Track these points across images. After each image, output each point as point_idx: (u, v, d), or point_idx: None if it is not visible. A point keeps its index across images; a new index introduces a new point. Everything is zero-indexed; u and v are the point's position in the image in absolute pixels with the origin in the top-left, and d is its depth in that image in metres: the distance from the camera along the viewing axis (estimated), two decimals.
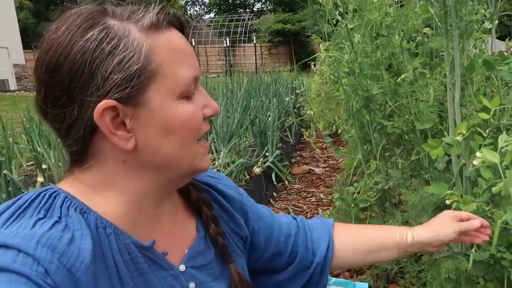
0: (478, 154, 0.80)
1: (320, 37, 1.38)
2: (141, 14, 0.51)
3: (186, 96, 0.53)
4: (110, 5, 0.52)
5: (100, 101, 0.47)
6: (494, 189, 0.75)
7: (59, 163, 2.73)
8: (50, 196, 0.50)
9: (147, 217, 0.56)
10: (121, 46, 0.48)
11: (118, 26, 0.49)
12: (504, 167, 0.72)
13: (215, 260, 0.63)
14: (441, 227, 0.75)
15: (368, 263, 0.81)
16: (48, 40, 0.49)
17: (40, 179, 2.69)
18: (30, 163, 3.09)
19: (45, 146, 2.61)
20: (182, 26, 0.55)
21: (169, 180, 0.56)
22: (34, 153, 2.70)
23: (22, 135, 3.41)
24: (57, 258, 0.44)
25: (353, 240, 0.79)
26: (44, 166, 2.71)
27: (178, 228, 0.61)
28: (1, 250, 0.42)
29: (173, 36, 0.53)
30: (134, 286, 0.52)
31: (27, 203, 0.49)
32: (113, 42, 0.48)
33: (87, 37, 0.47)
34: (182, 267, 0.58)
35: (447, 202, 0.88)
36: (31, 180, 2.83)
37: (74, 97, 0.48)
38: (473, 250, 0.98)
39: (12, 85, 17.81)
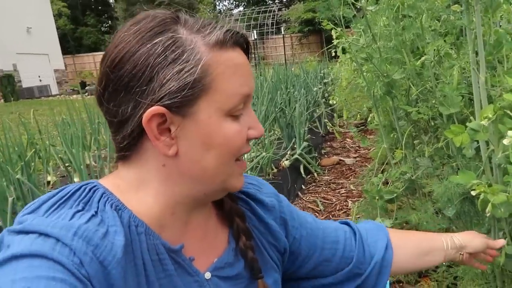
0: (509, 132, 0.73)
1: (335, 23, 1.31)
2: (210, 29, 0.52)
3: (234, 114, 0.53)
4: (184, 14, 0.54)
5: (152, 105, 0.49)
6: None
7: (94, 163, 2.82)
8: (90, 190, 0.52)
9: (178, 222, 0.56)
10: (183, 57, 0.49)
11: (186, 37, 0.50)
12: None
13: (244, 272, 0.62)
14: (472, 237, 0.83)
15: (418, 266, 0.81)
16: (120, 36, 0.51)
17: (76, 179, 2.80)
18: (67, 164, 3.21)
19: (76, 148, 2.71)
20: (247, 47, 0.57)
21: (204, 193, 0.56)
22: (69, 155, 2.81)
23: (59, 138, 3.55)
24: (92, 250, 0.45)
25: (408, 242, 0.80)
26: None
27: (209, 236, 0.61)
28: (41, 238, 0.45)
29: (235, 54, 0.53)
30: (160, 287, 0.52)
31: (68, 194, 0.51)
32: (177, 52, 0.49)
33: (155, 41, 0.49)
34: (207, 275, 0.58)
35: (473, 193, 0.81)
36: (68, 181, 2.95)
37: (130, 96, 0.50)
38: (505, 243, 0.90)
39: (54, 89, 18.77)
